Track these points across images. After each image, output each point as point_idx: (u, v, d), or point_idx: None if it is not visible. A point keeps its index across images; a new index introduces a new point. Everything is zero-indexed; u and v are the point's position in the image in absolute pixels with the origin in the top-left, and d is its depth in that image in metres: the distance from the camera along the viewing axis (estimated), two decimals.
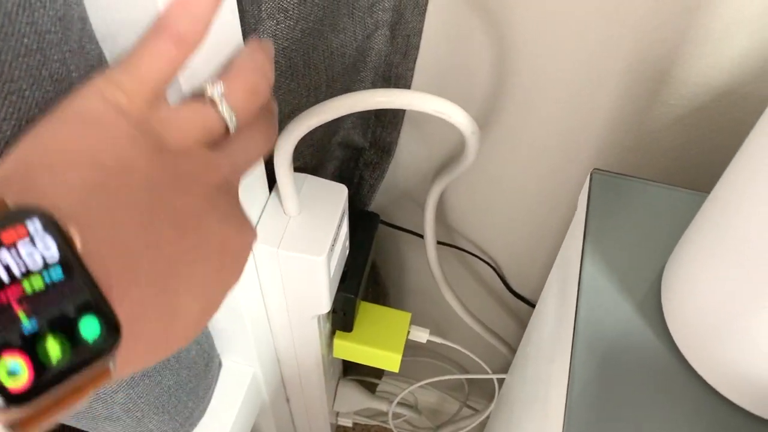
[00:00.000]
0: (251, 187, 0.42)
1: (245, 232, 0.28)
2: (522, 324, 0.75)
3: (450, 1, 0.46)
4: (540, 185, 0.57)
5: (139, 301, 0.22)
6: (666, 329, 0.35)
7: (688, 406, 0.33)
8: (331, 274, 0.47)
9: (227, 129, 0.27)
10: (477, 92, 0.51)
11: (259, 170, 0.43)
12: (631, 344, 0.34)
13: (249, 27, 0.36)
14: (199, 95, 0.27)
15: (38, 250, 0.18)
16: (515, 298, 0.70)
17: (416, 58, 0.50)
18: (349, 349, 0.59)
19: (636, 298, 0.36)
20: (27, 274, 0.18)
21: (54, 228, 0.19)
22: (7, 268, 0.18)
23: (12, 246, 0.18)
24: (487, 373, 0.67)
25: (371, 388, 0.77)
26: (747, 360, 0.32)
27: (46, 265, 0.18)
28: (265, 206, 0.45)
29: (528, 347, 0.56)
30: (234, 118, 0.27)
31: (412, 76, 0.51)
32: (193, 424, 0.49)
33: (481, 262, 0.68)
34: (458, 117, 0.41)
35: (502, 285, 0.70)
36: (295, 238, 0.44)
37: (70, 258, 0.19)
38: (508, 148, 0.54)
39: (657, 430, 0.32)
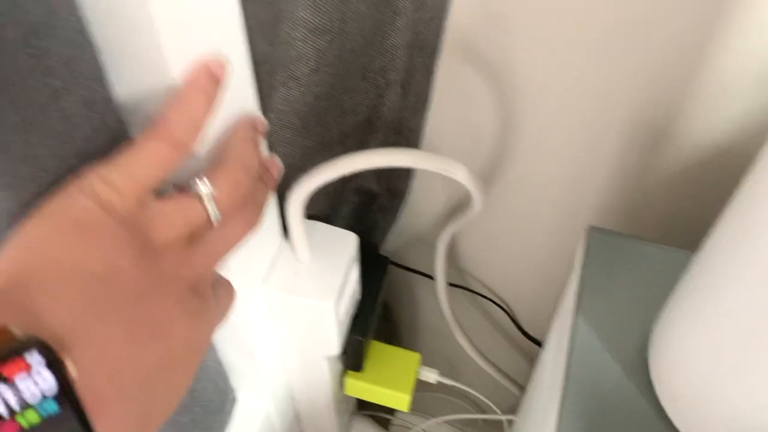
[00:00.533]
0: (265, 235, 0.45)
1: (208, 326, 0.30)
2: (533, 363, 0.76)
3: (457, 64, 0.49)
4: (546, 234, 0.58)
5: (121, 415, 0.23)
6: (653, 389, 0.36)
7: None
8: (340, 318, 0.49)
9: (210, 221, 0.29)
10: (484, 146, 0.54)
11: (273, 219, 0.45)
12: (618, 404, 0.36)
13: (264, 94, 0.39)
14: (184, 188, 0.28)
15: (37, 384, 0.19)
16: (526, 339, 0.71)
17: (426, 113, 0.52)
18: (359, 388, 0.61)
19: (625, 358, 0.38)
20: (24, 407, 0.19)
21: (53, 359, 0.20)
22: (6, 403, 0.18)
23: (12, 380, 0.18)
24: (497, 413, 0.69)
25: (384, 424, 0.78)
26: (731, 423, 0.33)
27: (43, 397, 0.19)
28: (278, 253, 0.48)
29: (533, 390, 0.58)
30: (218, 213, 0.28)
31: (422, 131, 0.53)
32: None
33: (493, 303, 0.70)
34: (459, 173, 0.43)
35: (513, 326, 0.71)
36: (305, 284, 0.46)
37: (66, 390, 0.20)
38: (514, 199, 0.56)
39: None
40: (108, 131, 0.29)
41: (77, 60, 0.26)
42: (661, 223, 0.52)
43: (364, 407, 0.78)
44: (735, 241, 0.30)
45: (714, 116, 0.45)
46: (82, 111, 0.27)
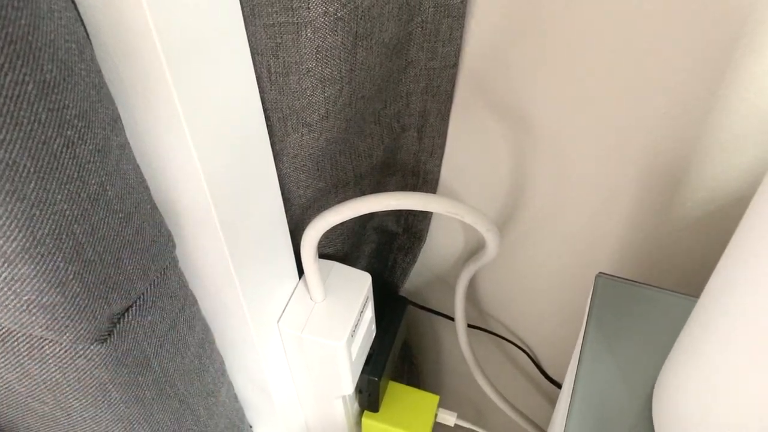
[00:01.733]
0: (282, 274, 0.46)
1: None
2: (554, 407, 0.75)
3: (472, 107, 0.50)
4: (563, 277, 0.58)
5: None
6: None
7: None
8: (353, 357, 0.50)
9: None
10: (500, 188, 0.54)
11: (283, 265, 0.47)
12: None
13: (277, 139, 0.40)
14: None
15: None
16: (549, 382, 0.71)
17: (442, 155, 0.53)
18: (376, 428, 0.61)
19: (629, 406, 0.37)
20: None
21: None
22: None
23: None
24: None
25: None
26: None
27: None
28: (293, 292, 0.49)
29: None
30: None
31: (439, 171, 0.55)
32: None
33: (514, 346, 0.69)
34: (471, 217, 0.44)
35: (535, 369, 0.70)
36: (319, 324, 0.47)
37: None
38: (532, 241, 0.57)
39: None
40: (122, 176, 0.31)
41: (91, 112, 0.28)
42: (676, 270, 0.52)
43: None
44: (731, 285, 0.30)
45: (726, 164, 0.45)
46: (96, 158, 0.29)
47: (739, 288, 0.29)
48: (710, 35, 0.39)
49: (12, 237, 0.27)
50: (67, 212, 0.28)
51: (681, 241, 0.50)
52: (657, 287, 0.42)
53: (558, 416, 0.51)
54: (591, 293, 0.42)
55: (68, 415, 0.40)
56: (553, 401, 0.74)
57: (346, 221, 0.54)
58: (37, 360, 0.36)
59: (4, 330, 0.35)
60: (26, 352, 0.36)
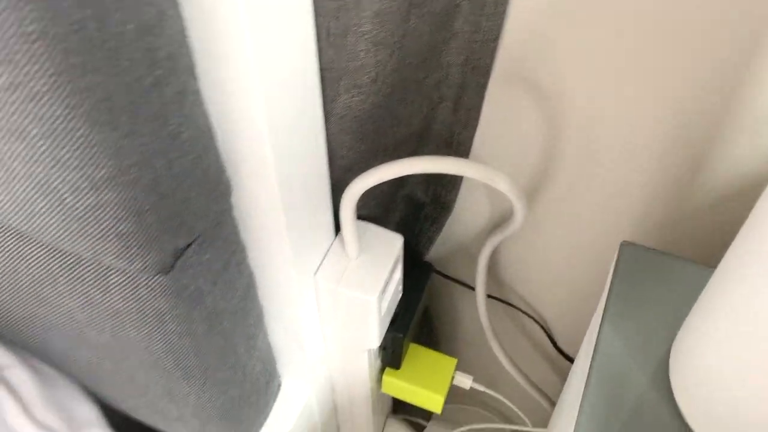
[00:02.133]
0: (319, 232, 0.49)
1: None
2: (565, 380, 0.78)
3: (508, 82, 0.52)
4: (586, 250, 0.61)
5: None
6: (674, 403, 0.38)
7: None
8: (382, 313, 0.53)
9: None
10: (528, 162, 0.57)
11: (324, 221, 0.49)
12: (638, 412, 0.38)
13: (328, 99, 0.43)
14: None
15: None
16: (561, 356, 0.73)
17: (476, 128, 0.56)
18: (395, 385, 0.64)
19: (649, 369, 0.40)
20: None
21: None
22: None
23: None
24: (527, 425, 0.71)
25: (419, 429, 0.81)
26: (745, 428, 0.35)
27: None
28: (329, 248, 0.52)
29: (562, 403, 0.60)
30: None
31: (471, 145, 0.57)
32: None
33: (530, 318, 0.72)
34: (503, 184, 0.47)
35: (548, 342, 0.73)
36: (353, 278, 0.50)
37: None
38: (556, 216, 0.59)
39: None
40: (195, 120, 0.34)
41: (177, 55, 0.31)
42: (698, 245, 0.54)
43: (398, 411, 0.80)
44: (750, 253, 0.32)
45: (749, 147, 0.47)
46: (177, 99, 0.32)
47: (756, 257, 0.31)
48: (748, 14, 0.41)
49: (102, 164, 0.30)
50: (150, 146, 0.31)
51: (703, 218, 0.52)
52: (680, 257, 0.45)
53: (572, 384, 0.54)
54: (615, 261, 0.45)
55: (123, 344, 0.43)
56: (563, 374, 0.77)
57: (381, 186, 0.57)
58: (102, 289, 0.39)
59: (73, 259, 0.38)
60: (92, 281, 0.39)
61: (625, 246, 0.45)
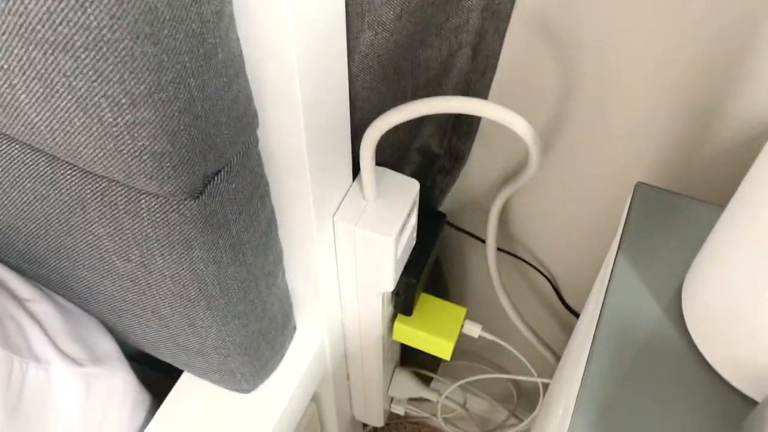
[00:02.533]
0: (338, 174, 0.50)
1: None
2: (570, 334, 0.79)
3: (525, 28, 0.53)
4: (597, 201, 0.62)
5: None
6: (686, 330, 0.39)
7: (702, 399, 0.37)
8: (398, 255, 0.54)
9: None
10: (545, 110, 0.58)
11: (344, 162, 0.50)
12: (652, 342, 0.39)
13: (352, 36, 0.44)
14: None
15: None
16: (567, 310, 0.75)
17: (493, 76, 0.57)
18: (407, 332, 0.65)
19: (662, 301, 0.41)
20: None
21: None
22: None
23: None
24: (533, 375, 0.72)
25: (426, 381, 0.83)
26: (755, 355, 0.36)
27: None
28: (348, 190, 0.53)
29: (569, 352, 0.61)
30: None
31: (488, 93, 0.58)
32: (267, 374, 0.57)
33: (538, 272, 0.73)
34: (521, 127, 0.48)
35: (555, 296, 0.75)
36: (371, 220, 0.51)
37: None
38: (570, 164, 0.60)
39: (672, 422, 0.37)
40: (228, 43, 0.35)
41: None
42: (712, 188, 0.55)
43: (407, 362, 0.82)
44: (762, 186, 0.33)
45: (761, 101, 0.48)
46: (215, 19, 0.32)
47: (765, 195, 0.32)
48: None
49: (142, 79, 0.31)
50: (188, 64, 0.32)
51: (717, 162, 0.53)
52: (694, 198, 0.46)
53: (580, 332, 0.55)
54: (629, 201, 0.46)
55: (149, 273, 0.44)
56: (568, 329, 0.79)
57: (396, 135, 0.58)
58: (133, 214, 0.40)
59: (105, 183, 0.39)
60: (123, 206, 0.40)
61: (640, 186, 0.46)
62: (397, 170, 0.63)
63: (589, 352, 0.40)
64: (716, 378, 0.38)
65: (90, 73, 0.30)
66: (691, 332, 0.39)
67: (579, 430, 0.37)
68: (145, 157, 0.34)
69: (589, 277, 0.72)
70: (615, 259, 0.43)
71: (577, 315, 0.74)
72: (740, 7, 0.44)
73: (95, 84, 0.31)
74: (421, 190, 0.66)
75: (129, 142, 0.34)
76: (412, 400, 0.87)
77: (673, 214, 0.45)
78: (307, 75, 0.39)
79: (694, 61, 0.48)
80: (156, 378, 0.63)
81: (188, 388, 0.59)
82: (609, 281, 0.42)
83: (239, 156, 0.40)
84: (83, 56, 0.29)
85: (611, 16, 0.49)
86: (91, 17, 0.28)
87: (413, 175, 0.67)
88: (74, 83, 0.31)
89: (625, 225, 0.45)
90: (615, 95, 0.53)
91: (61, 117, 0.33)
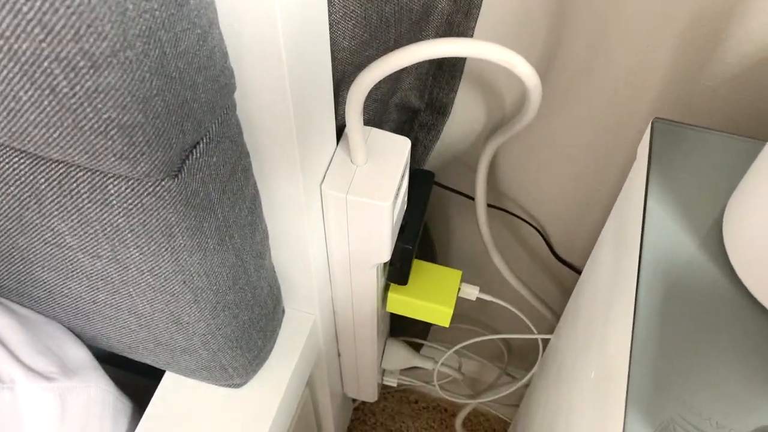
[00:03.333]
0: (323, 137, 0.45)
1: None
2: (564, 289, 0.77)
3: None
4: (594, 145, 0.58)
5: None
6: (728, 261, 0.36)
7: (748, 332, 0.34)
8: (394, 222, 0.49)
9: None
10: (537, 49, 0.53)
11: (328, 123, 0.45)
12: (694, 278, 0.36)
13: None
14: None
15: None
16: (560, 264, 0.72)
17: (477, 17, 0.52)
18: (402, 302, 0.61)
19: (699, 234, 0.38)
20: None
21: None
22: None
23: None
24: (533, 333, 0.69)
25: (417, 349, 0.79)
26: None
27: None
28: (333, 155, 0.48)
29: (578, 305, 0.58)
30: None
31: (472, 35, 0.53)
32: (260, 364, 0.52)
33: (529, 226, 0.70)
34: (522, 68, 0.43)
35: (547, 250, 0.71)
36: (363, 185, 0.46)
37: None
38: (565, 107, 0.56)
39: (719, 356, 0.34)
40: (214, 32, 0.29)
41: None
42: (716, 122, 0.52)
43: (397, 333, 0.78)
44: None
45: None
46: None
47: None
48: None
49: (104, 34, 0.25)
50: (157, 13, 0.26)
51: (722, 92, 0.50)
52: (712, 129, 0.42)
53: (599, 277, 0.52)
54: (648, 137, 0.42)
55: (124, 268, 0.38)
56: (560, 281, 0.76)
57: (375, 92, 0.52)
58: (99, 202, 0.34)
59: (63, 170, 0.33)
60: (87, 194, 0.34)
61: (657, 122, 0.43)
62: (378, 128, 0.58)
63: (636, 298, 0.37)
64: (764, 312, 0.35)
65: (36, 31, 0.24)
66: (736, 269, 0.36)
67: (639, 381, 0.33)
68: (112, 132, 0.28)
69: (581, 228, 0.69)
70: (645, 200, 0.39)
71: (570, 266, 0.71)
72: None
73: (44, 45, 0.24)
74: None
75: (91, 115, 0.28)
76: (405, 370, 0.84)
77: (694, 146, 0.42)
78: (290, 23, 0.33)
79: None
80: (135, 380, 0.57)
81: (174, 388, 0.53)
82: (643, 222, 0.39)
83: (218, 124, 0.34)
84: (25, 9, 0.23)
85: None
86: None
87: (394, 132, 0.63)
88: (16, 45, 0.25)
89: (649, 160, 0.41)
90: (614, 28, 0.49)
91: (2, 91, 0.27)
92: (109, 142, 0.29)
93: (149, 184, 0.32)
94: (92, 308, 0.44)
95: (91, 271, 0.39)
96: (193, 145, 0.33)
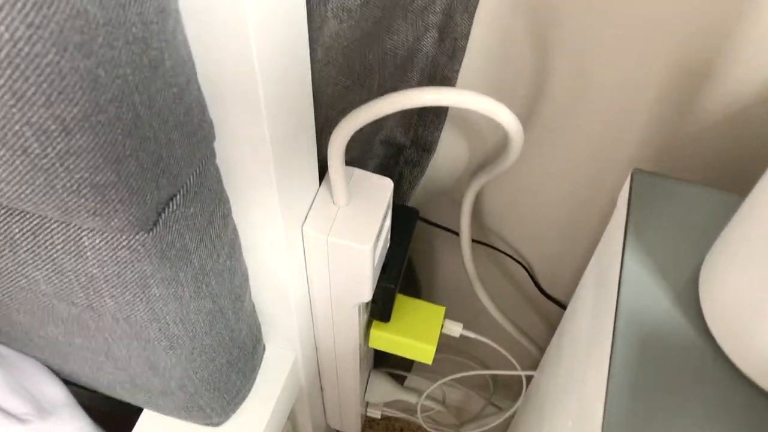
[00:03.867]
0: (305, 179, 0.45)
1: None
2: (550, 324, 0.76)
3: (497, 5, 0.48)
4: (577, 187, 0.59)
5: None
6: (703, 320, 0.36)
7: (722, 393, 0.34)
8: (375, 263, 0.49)
9: None
10: (519, 93, 0.53)
11: (310, 166, 0.45)
12: (669, 334, 0.36)
13: (314, 26, 0.38)
14: None
15: None
16: (546, 299, 0.72)
17: (462, 60, 0.52)
18: (384, 339, 0.61)
19: (675, 290, 0.38)
20: None
21: None
22: None
23: None
24: (516, 369, 0.69)
25: (401, 381, 0.79)
26: None
27: None
28: (315, 196, 0.48)
29: (561, 344, 0.58)
30: None
31: (456, 78, 0.53)
32: (239, 403, 0.52)
33: (514, 261, 0.70)
34: (504, 116, 0.43)
35: (533, 285, 0.71)
36: (344, 227, 0.46)
37: None
38: (547, 149, 0.56)
39: (693, 417, 0.34)
40: (177, 46, 0.29)
41: None
42: (698, 174, 0.52)
43: (380, 364, 0.78)
44: None
45: (755, 63, 0.45)
46: (159, 19, 0.26)
47: None
48: None
49: (75, 100, 0.25)
50: (130, 77, 0.26)
51: (704, 141, 0.50)
52: (691, 181, 0.43)
53: (581, 315, 0.52)
54: (628, 189, 0.42)
55: (99, 316, 0.38)
56: (546, 316, 0.76)
57: (363, 129, 0.52)
58: (73, 254, 0.34)
59: (37, 221, 0.33)
60: (61, 245, 0.34)
61: (637, 173, 0.43)
62: (361, 165, 0.58)
63: (611, 351, 0.37)
64: (742, 378, 0.35)
65: (7, 97, 0.24)
66: (711, 329, 0.36)
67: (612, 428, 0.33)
68: (84, 191, 0.28)
69: (566, 263, 0.69)
70: (623, 255, 0.39)
71: (556, 302, 0.71)
72: None
73: (14, 110, 0.24)
74: None
75: (63, 175, 0.27)
76: (389, 401, 0.83)
77: (673, 199, 0.42)
78: (270, 71, 0.34)
79: (679, 36, 0.45)
80: (119, 407, 0.56)
81: (152, 424, 0.53)
82: (620, 275, 0.39)
83: (196, 175, 0.34)
84: None
85: None
86: (1, 28, 0.22)
87: (379, 168, 0.63)
88: None
89: (628, 213, 0.42)
90: (595, 76, 0.49)
91: None
92: (82, 200, 0.29)
93: (123, 237, 0.32)
94: (69, 350, 0.44)
95: (67, 317, 0.39)
96: (169, 198, 0.33)
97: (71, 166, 0.27)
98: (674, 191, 0.43)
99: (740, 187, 0.51)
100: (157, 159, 0.30)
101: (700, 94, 0.47)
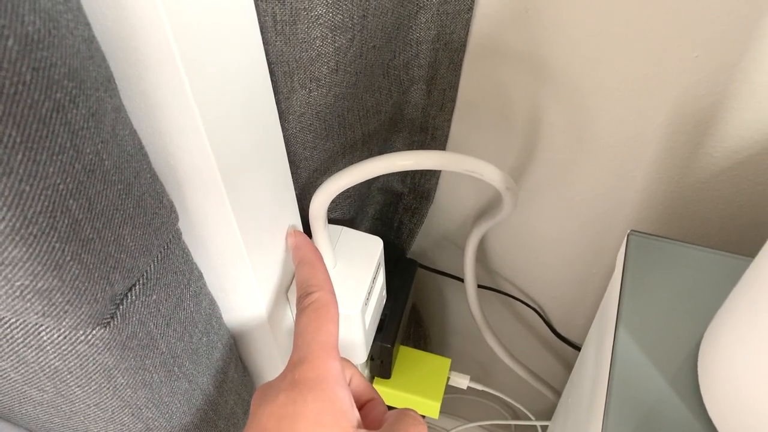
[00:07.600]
0: (283, 250, 0.43)
1: None
2: (567, 366, 0.73)
3: (486, 54, 0.46)
4: (581, 235, 0.56)
5: None
6: (700, 401, 0.34)
7: None
8: (366, 326, 0.48)
9: None
10: (515, 142, 0.51)
11: (295, 225, 0.44)
12: (664, 416, 0.34)
13: (282, 96, 0.37)
14: None
15: None
16: (560, 341, 0.69)
17: (453, 109, 0.50)
18: (387, 395, 0.59)
19: (671, 368, 0.35)
20: None
21: None
22: None
23: None
24: (530, 419, 0.66)
25: None
26: None
27: None
28: None
29: (570, 395, 0.55)
30: None
31: (449, 127, 0.51)
32: None
33: (524, 305, 0.67)
34: (491, 175, 0.41)
35: (545, 328, 0.69)
36: None
37: None
38: (547, 199, 0.54)
39: None
40: (119, 142, 0.28)
41: (82, 70, 0.25)
42: (700, 231, 0.49)
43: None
44: None
45: (758, 111, 0.42)
46: (90, 123, 0.25)
47: None
48: None
49: (0, 216, 0.24)
50: (61, 186, 0.25)
51: (707, 193, 0.48)
52: (688, 243, 0.40)
53: (585, 377, 0.49)
54: (624, 252, 0.40)
55: (70, 402, 0.37)
56: (563, 360, 0.73)
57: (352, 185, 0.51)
58: (34, 347, 0.33)
59: None
60: (22, 340, 0.33)
61: (633, 235, 0.40)
62: (358, 214, 0.56)
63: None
64: None
65: None
66: (709, 413, 0.33)
67: None
68: (28, 296, 0.27)
69: (579, 303, 0.66)
70: (616, 331, 0.37)
71: (571, 344, 0.68)
72: (727, 24, 0.38)
73: None
74: (388, 232, 0.59)
75: (4, 283, 0.26)
76: None
77: (669, 261, 0.40)
78: (227, 153, 0.32)
79: (678, 87, 0.42)
80: None
81: None
82: (613, 351, 0.36)
83: (157, 261, 0.33)
84: None
85: (581, 35, 0.42)
86: None
87: (377, 217, 0.61)
88: None
89: (622, 280, 0.39)
90: (590, 123, 0.47)
91: None
92: (28, 304, 0.28)
93: (80, 333, 0.31)
94: (50, 427, 0.43)
95: (40, 401, 0.38)
96: (126, 290, 0.32)
97: (9, 276, 0.26)
98: (673, 254, 0.40)
99: (747, 248, 0.48)
100: (105, 257, 0.29)
101: (700, 144, 0.45)
